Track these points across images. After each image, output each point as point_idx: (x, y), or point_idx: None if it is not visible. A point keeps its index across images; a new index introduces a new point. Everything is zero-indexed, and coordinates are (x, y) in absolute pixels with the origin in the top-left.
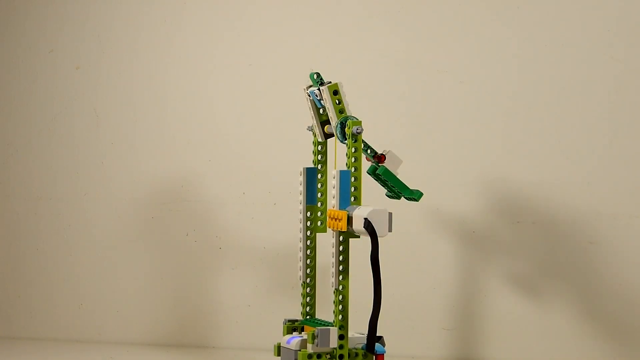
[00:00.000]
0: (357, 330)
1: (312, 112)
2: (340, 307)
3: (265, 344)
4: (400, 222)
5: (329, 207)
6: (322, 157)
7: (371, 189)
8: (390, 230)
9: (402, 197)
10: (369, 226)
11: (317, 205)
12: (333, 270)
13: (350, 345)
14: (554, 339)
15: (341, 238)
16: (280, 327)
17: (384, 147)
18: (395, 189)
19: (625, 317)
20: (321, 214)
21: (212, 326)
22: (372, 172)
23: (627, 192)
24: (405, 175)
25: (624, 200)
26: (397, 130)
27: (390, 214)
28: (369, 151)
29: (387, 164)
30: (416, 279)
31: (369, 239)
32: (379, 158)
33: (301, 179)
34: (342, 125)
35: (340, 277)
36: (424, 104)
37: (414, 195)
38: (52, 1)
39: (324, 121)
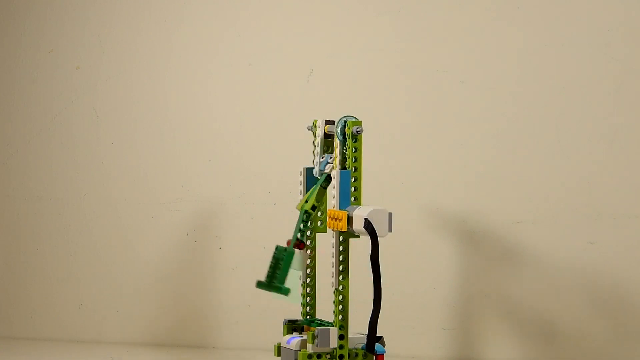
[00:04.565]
0: (357, 330)
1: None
2: (340, 307)
3: (265, 344)
4: (400, 222)
5: (329, 207)
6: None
7: (371, 189)
8: (390, 230)
9: (271, 287)
10: (369, 226)
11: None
12: (333, 270)
13: (350, 345)
14: (554, 339)
15: (341, 238)
16: (280, 327)
17: (384, 146)
18: (277, 273)
19: (625, 317)
20: (321, 214)
21: (212, 326)
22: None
23: (627, 192)
24: (406, 175)
25: (624, 200)
26: (397, 130)
27: (390, 214)
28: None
29: (297, 254)
30: (416, 279)
31: (369, 239)
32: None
33: (301, 178)
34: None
35: (340, 277)
36: (424, 104)
37: (282, 291)
38: (52, 1)
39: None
